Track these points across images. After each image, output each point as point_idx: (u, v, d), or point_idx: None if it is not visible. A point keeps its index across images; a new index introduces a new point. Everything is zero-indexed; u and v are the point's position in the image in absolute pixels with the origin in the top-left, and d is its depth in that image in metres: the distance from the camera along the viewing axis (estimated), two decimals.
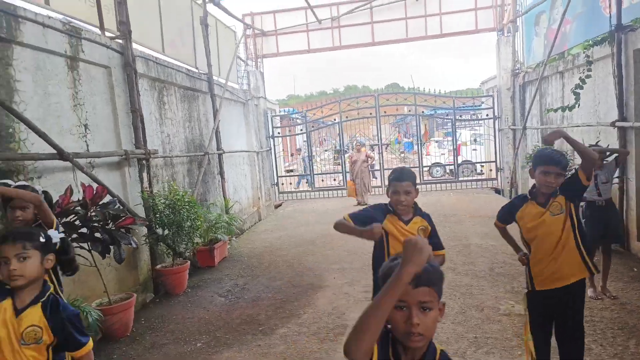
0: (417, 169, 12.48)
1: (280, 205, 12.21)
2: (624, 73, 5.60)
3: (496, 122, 11.53)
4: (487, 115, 11.96)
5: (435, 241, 2.38)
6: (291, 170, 15.30)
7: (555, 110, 6.81)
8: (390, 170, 2.64)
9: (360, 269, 5.42)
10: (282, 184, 13.06)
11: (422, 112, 12.75)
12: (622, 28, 5.62)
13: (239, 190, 9.63)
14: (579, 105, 6.40)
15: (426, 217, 2.46)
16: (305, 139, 27.04)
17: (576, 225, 2.36)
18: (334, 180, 13.20)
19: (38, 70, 3.98)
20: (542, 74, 8.04)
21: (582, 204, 4.23)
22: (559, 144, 7.14)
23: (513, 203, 2.60)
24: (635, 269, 4.70)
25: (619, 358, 2.99)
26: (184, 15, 7.76)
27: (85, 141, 4.56)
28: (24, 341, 1.65)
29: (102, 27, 5.12)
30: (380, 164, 12.18)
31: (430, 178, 14.19)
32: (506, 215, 2.61)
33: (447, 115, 12.82)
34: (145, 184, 5.33)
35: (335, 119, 12.53)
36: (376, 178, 12.12)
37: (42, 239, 1.75)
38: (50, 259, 1.79)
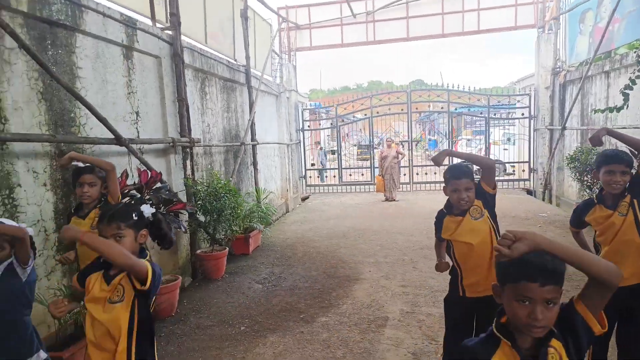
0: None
1: (307, 198, 12.29)
2: None
3: (532, 121, 11.28)
4: (522, 114, 11.71)
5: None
6: (314, 164, 15.35)
7: (603, 111, 6.61)
8: (445, 169, 2.61)
9: (394, 263, 5.45)
10: (310, 176, 13.15)
11: (455, 109, 12.57)
12: None
13: (269, 181, 9.75)
14: (627, 107, 6.20)
15: (481, 197, 2.45)
16: (328, 134, 27.01)
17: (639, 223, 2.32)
18: (362, 175, 13.19)
19: (97, 59, 4.14)
20: (586, 73, 7.82)
21: None
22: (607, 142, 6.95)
23: (579, 208, 2.57)
24: None
25: None
26: (225, 7, 7.87)
27: (137, 128, 4.72)
28: (110, 300, 1.81)
29: (153, 18, 5.27)
30: (409, 160, 12.11)
31: None
32: (576, 221, 2.59)
33: (480, 113, 12.60)
34: (189, 171, 5.49)
35: (365, 114, 12.49)
36: (405, 175, 12.05)
37: (134, 217, 1.86)
38: (144, 234, 1.90)
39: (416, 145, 13.47)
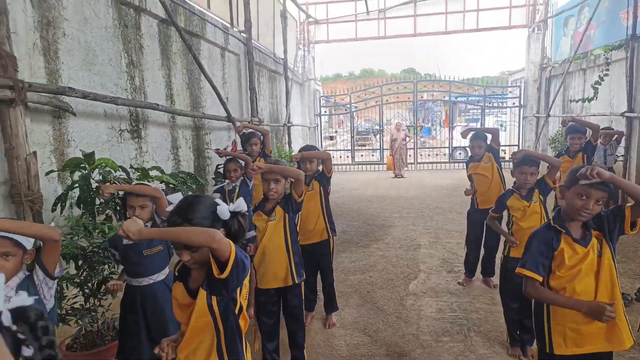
0: (447, 149, 14.17)
1: None
2: (635, 73, 7.04)
3: (521, 110, 12.95)
4: (513, 103, 13.37)
5: None
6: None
7: (577, 101, 8.30)
8: (472, 134, 4.19)
9: (416, 217, 7.09)
10: None
11: (456, 98, 14.16)
12: (636, 37, 7.04)
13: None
14: (596, 98, 7.87)
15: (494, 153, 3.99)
16: (326, 120, 28.43)
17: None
18: (372, 156, 14.80)
19: (210, 57, 5.63)
20: (567, 70, 9.46)
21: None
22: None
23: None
24: None
25: None
26: (269, 8, 9.31)
27: (227, 109, 6.22)
28: None
29: (231, 23, 6.73)
30: (414, 143, 13.73)
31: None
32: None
33: (477, 102, 14.23)
34: None
35: (377, 102, 13.99)
36: (410, 155, 13.67)
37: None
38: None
39: (421, 129, 15.04)
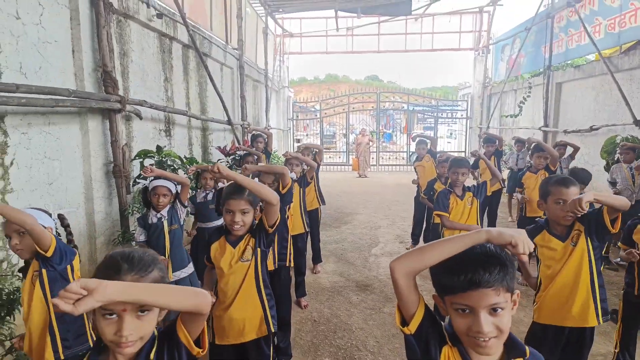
0: (405, 153, 15.91)
1: None
2: (549, 96, 8.91)
3: (468, 121, 14.90)
4: (461, 115, 15.32)
5: None
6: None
7: (507, 117, 10.14)
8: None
9: (377, 207, 8.60)
10: None
11: (412, 108, 15.96)
12: (550, 67, 8.93)
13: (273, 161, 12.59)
14: (521, 114, 9.74)
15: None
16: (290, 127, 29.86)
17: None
18: (339, 158, 16.33)
19: (213, 72, 6.84)
20: (503, 89, 11.36)
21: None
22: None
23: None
24: None
25: None
26: (252, 25, 10.58)
27: (223, 115, 7.45)
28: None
29: (226, 41, 7.97)
30: (377, 147, 15.38)
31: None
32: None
33: (431, 112, 16.10)
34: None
35: (344, 109, 15.52)
36: (373, 158, 15.28)
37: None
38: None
39: (383, 135, 16.73)
